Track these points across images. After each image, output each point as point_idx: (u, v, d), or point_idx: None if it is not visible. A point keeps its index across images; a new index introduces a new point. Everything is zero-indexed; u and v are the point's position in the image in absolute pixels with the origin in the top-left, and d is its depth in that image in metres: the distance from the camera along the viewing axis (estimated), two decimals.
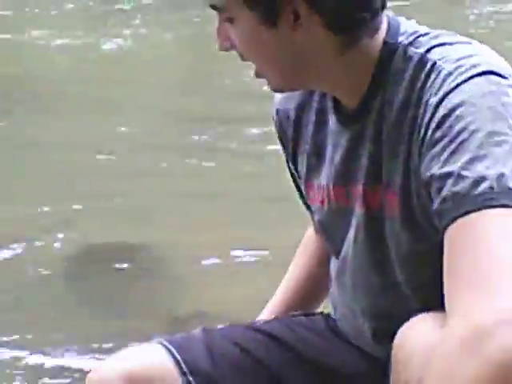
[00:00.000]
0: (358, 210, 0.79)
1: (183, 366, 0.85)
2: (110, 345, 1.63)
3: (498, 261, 0.60)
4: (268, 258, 1.92)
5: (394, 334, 0.70)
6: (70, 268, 2.14)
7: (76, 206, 2.49)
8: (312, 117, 0.84)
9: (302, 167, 0.87)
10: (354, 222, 0.81)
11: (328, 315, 0.94)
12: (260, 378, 0.88)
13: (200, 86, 4.22)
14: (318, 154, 0.84)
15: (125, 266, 2.11)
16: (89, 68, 4.43)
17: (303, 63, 0.76)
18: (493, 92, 0.68)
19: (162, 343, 0.87)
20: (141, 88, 3.95)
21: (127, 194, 2.59)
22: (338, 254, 0.86)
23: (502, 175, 0.63)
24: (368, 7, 0.73)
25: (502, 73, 0.70)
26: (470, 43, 0.75)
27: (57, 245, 2.22)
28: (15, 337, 1.74)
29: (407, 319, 0.69)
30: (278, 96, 0.89)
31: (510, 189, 0.63)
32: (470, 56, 0.71)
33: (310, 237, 1.01)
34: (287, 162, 0.92)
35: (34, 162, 2.97)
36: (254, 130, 3.15)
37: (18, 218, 2.39)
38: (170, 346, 0.87)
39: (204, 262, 2.03)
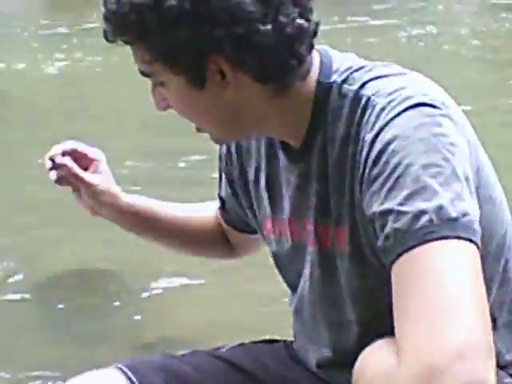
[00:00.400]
0: (311, 247, 0.80)
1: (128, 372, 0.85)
2: (71, 371, 1.58)
3: (442, 297, 0.60)
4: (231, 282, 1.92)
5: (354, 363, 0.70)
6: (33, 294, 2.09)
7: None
8: (262, 149, 0.84)
9: (257, 200, 0.87)
10: (308, 259, 0.81)
11: (289, 343, 0.93)
12: None
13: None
14: (271, 187, 0.84)
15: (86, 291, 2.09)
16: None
17: (238, 116, 0.76)
18: (425, 124, 0.67)
19: (118, 367, 0.86)
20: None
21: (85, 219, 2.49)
22: (294, 288, 0.86)
23: (440, 207, 0.63)
24: (293, 55, 0.72)
25: (435, 103, 0.70)
26: (403, 74, 0.75)
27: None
28: None
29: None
30: None
31: (449, 220, 0.63)
32: (403, 88, 0.71)
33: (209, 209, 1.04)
34: (220, 188, 0.96)
35: None
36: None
37: None
38: (127, 370, 0.86)
39: (168, 285, 2.02)
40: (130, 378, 0.85)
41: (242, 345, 0.95)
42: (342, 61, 0.77)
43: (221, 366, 0.89)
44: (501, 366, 0.74)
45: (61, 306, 2.01)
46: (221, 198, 0.97)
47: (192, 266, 2.00)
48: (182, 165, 3.05)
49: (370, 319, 0.76)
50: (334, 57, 0.78)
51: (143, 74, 0.76)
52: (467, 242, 0.63)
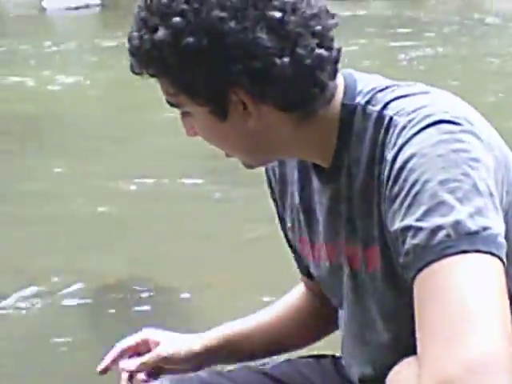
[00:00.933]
0: (346, 268, 0.81)
1: None
2: None
3: (461, 311, 0.61)
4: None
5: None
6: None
7: None
8: (295, 174, 0.86)
9: (295, 223, 0.88)
10: (344, 280, 0.82)
11: (337, 358, 0.94)
12: None
13: None
14: (307, 211, 0.85)
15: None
16: None
17: (265, 143, 0.78)
18: (444, 140, 0.68)
19: (163, 381, 0.91)
20: None
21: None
22: (341, 305, 0.87)
23: (457, 222, 0.63)
24: (315, 83, 0.73)
25: (456, 120, 0.70)
26: (426, 93, 0.75)
27: None
28: None
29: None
30: None
31: (467, 234, 0.63)
32: (424, 107, 0.71)
33: (298, 292, 1.00)
34: (280, 220, 0.94)
35: None
36: None
37: None
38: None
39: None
40: None
41: (288, 361, 0.97)
42: (367, 82, 0.78)
43: (268, 383, 0.91)
44: None
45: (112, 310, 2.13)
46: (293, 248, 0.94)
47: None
48: None
49: (402, 337, 0.76)
50: (358, 79, 0.79)
51: (170, 104, 0.78)
52: (488, 256, 0.63)
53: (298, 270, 0.97)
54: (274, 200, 0.92)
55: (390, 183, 0.70)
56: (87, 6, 6.38)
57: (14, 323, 2.11)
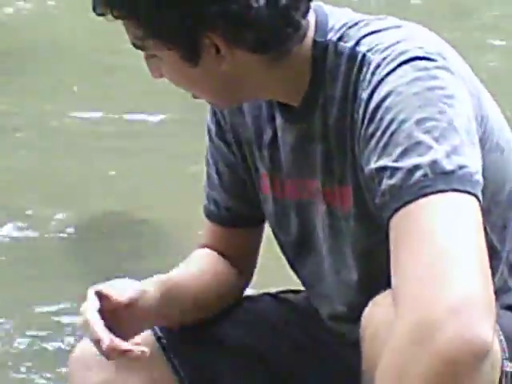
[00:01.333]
0: (321, 206, 0.81)
1: (162, 337, 0.89)
2: None
3: (439, 250, 0.60)
4: None
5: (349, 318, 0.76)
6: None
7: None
8: (263, 109, 0.84)
9: (257, 159, 0.87)
10: (318, 217, 0.82)
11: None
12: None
13: None
14: (271, 147, 0.84)
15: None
16: None
17: (236, 85, 0.76)
18: (419, 78, 0.67)
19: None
20: None
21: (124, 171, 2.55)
22: (297, 244, 0.87)
23: (434, 161, 0.63)
24: (289, 23, 0.72)
25: (430, 56, 0.69)
26: (399, 27, 0.74)
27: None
28: None
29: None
30: None
31: (444, 173, 0.62)
32: (398, 42, 0.71)
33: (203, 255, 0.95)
34: (215, 158, 0.91)
35: None
36: None
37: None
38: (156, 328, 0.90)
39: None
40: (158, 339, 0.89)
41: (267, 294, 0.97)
42: (338, 17, 0.77)
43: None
44: None
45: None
46: (216, 203, 0.92)
47: None
48: None
49: (373, 276, 0.77)
50: (329, 14, 0.78)
51: (136, 47, 0.76)
52: (465, 194, 0.62)
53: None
54: (221, 138, 0.90)
55: (366, 122, 0.69)
56: None
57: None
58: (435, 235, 0.61)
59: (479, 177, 0.65)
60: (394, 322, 0.60)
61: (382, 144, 0.66)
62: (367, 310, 0.70)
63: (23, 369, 1.59)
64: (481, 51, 3.23)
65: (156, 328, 0.89)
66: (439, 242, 0.60)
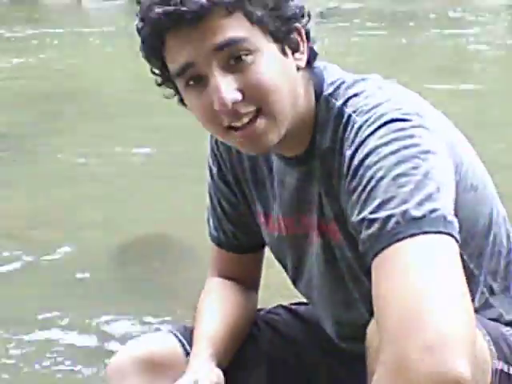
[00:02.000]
0: (315, 239, 0.91)
1: (187, 347, 0.96)
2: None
3: (412, 289, 0.65)
4: None
5: (355, 337, 0.82)
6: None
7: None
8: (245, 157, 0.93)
9: (253, 196, 0.96)
10: (311, 250, 0.92)
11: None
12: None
13: None
14: (266, 186, 0.93)
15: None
16: None
17: (296, 102, 0.84)
18: (396, 138, 0.75)
19: (171, 331, 1.00)
20: None
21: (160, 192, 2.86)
22: (295, 274, 0.97)
23: (405, 211, 0.70)
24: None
25: (407, 116, 0.77)
26: (381, 88, 0.83)
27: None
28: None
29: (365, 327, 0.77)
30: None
31: (414, 219, 0.69)
32: (379, 105, 0.79)
33: (218, 287, 1.03)
34: (217, 193, 1.00)
35: None
36: None
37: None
38: (177, 333, 0.99)
39: None
40: (180, 340, 0.98)
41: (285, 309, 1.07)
42: (331, 72, 0.87)
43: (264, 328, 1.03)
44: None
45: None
46: (225, 233, 1.01)
47: None
48: None
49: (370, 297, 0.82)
50: (323, 68, 0.88)
51: (232, 41, 0.78)
52: (437, 235, 0.68)
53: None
54: (221, 177, 0.98)
55: (349, 178, 0.77)
56: (115, 5, 8.31)
57: None
58: (408, 275, 0.66)
59: (452, 217, 0.71)
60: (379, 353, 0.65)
61: (362, 199, 0.74)
62: (371, 325, 0.74)
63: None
64: None
65: (181, 337, 0.98)
66: (412, 281, 0.65)
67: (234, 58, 0.78)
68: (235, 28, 0.78)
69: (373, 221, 0.71)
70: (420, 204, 0.70)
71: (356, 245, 0.79)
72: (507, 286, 0.91)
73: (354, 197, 0.76)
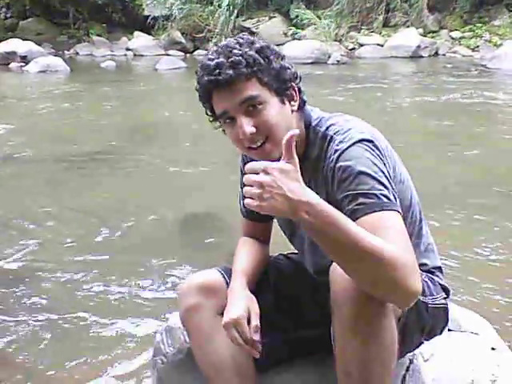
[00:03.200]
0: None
1: (227, 278, 1.41)
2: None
3: (392, 234, 1.07)
4: None
5: (324, 271, 1.18)
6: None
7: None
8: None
9: None
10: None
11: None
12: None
13: None
14: None
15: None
16: None
17: (288, 124, 1.24)
18: (362, 151, 1.17)
19: (216, 268, 1.43)
20: None
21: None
22: (294, 238, 1.42)
23: (375, 194, 1.13)
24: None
25: (368, 137, 1.20)
26: (348, 120, 1.26)
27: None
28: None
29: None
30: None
31: (377, 204, 1.12)
32: (350, 129, 1.22)
33: (245, 242, 1.50)
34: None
35: None
36: None
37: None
38: (220, 269, 1.43)
39: None
40: (223, 275, 1.40)
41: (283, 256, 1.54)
42: (316, 112, 1.32)
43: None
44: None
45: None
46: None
47: None
48: None
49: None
50: (311, 110, 1.32)
51: (250, 98, 1.19)
52: (392, 211, 1.12)
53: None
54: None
55: (335, 179, 1.18)
56: (179, 68, 11.36)
57: None
58: (386, 228, 1.08)
59: (397, 201, 1.14)
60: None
61: (344, 185, 1.16)
62: (332, 267, 1.15)
63: None
64: None
65: (223, 272, 1.42)
66: (390, 231, 1.08)
67: (251, 106, 1.20)
68: (252, 88, 1.19)
69: (351, 201, 1.13)
70: (380, 191, 1.13)
71: None
72: (418, 243, 1.34)
73: (337, 185, 1.17)
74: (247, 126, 1.20)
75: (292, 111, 1.26)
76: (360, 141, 1.20)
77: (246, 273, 1.39)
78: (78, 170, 4.70)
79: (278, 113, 1.22)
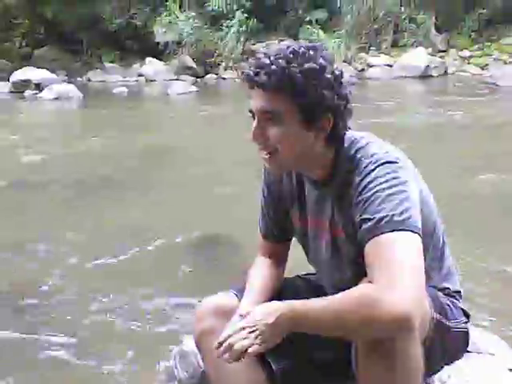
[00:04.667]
0: (327, 234, 1.32)
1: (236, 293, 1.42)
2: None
3: (393, 262, 1.08)
4: None
5: (340, 288, 1.16)
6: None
7: None
8: (293, 180, 1.38)
9: (292, 207, 1.40)
10: (323, 242, 1.34)
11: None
12: None
13: None
14: (300, 200, 1.39)
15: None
16: None
17: (308, 153, 1.24)
18: (388, 173, 1.18)
19: (231, 291, 1.43)
20: None
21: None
22: (311, 252, 1.40)
23: (392, 216, 1.13)
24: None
25: (394, 159, 1.20)
26: (375, 142, 1.26)
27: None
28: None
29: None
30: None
31: (396, 222, 1.13)
32: (376, 153, 1.22)
33: (262, 263, 1.48)
34: (266, 205, 1.45)
35: None
36: None
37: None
38: (235, 291, 1.43)
39: None
40: (236, 295, 1.40)
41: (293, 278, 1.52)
42: (347, 134, 1.29)
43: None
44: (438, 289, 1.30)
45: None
46: (267, 229, 1.47)
47: None
48: None
49: (361, 274, 1.19)
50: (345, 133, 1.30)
51: (267, 112, 1.18)
52: (409, 232, 1.12)
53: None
54: (270, 195, 1.43)
55: (358, 196, 1.19)
56: (191, 92, 11.59)
57: None
58: (393, 252, 1.09)
59: (419, 224, 1.14)
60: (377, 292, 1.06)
61: (364, 207, 1.16)
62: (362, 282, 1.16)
63: None
64: None
65: (238, 295, 1.40)
66: (393, 256, 1.09)
67: (268, 119, 1.20)
68: (276, 103, 1.17)
69: (371, 219, 1.14)
70: (400, 214, 1.14)
71: (352, 240, 1.22)
72: (441, 266, 1.34)
73: (360, 206, 1.18)
74: (255, 133, 1.22)
75: (316, 137, 1.23)
76: (386, 163, 1.20)
77: (256, 293, 1.39)
78: (90, 193, 4.76)
79: (291, 136, 1.21)
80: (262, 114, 1.21)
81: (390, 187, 1.16)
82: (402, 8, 13.79)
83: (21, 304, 2.78)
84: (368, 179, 1.19)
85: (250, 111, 1.24)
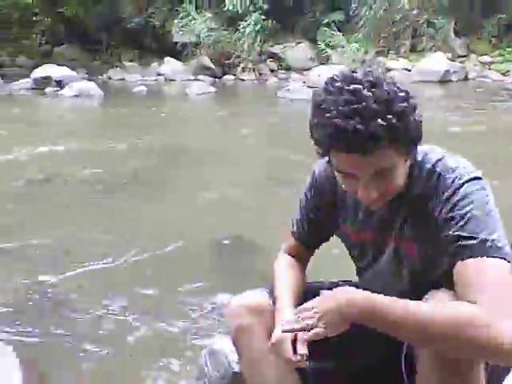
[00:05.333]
0: (390, 247, 1.32)
1: (271, 297, 1.40)
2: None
3: (488, 291, 1.06)
4: None
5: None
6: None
7: None
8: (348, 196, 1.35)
9: (342, 218, 1.40)
10: (385, 252, 1.34)
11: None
12: None
13: None
14: (355, 213, 1.38)
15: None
16: None
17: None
18: (476, 191, 1.18)
19: (263, 289, 1.44)
20: None
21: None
22: (364, 264, 1.42)
23: (493, 240, 1.12)
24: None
25: (476, 176, 1.19)
26: (451, 156, 1.24)
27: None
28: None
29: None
30: (320, 173, 1.40)
31: (497, 247, 1.11)
32: (457, 168, 1.20)
33: (291, 263, 1.50)
34: (312, 210, 1.44)
35: None
36: None
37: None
38: (266, 290, 1.43)
39: None
40: (267, 293, 1.41)
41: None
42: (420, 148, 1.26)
43: None
44: None
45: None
46: (301, 232, 1.48)
47: None
48: None
49: (419, 286, 1.24)
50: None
51: (383, 169, 1.15)
52: (504, 261, 1.11)
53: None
54: (321, 204, 1.42)
55: (445, 212, 1.17)
56: (209, 92, 11.60)
57: None
58: (489, 277, 1.08)
59: (506, 246, 1.13)
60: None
61: (460, 224, 1.14)
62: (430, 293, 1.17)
63: None
64: None
65: (268, 293, 1.41)
66: (504, 286, 1.08)
67: (383, 175, 1.16)
68: (387, 159, 1.13)
69: (473, 238, 1.13)
70: (498, 239, 1.13)
71: (422, 253, 1.26)
72: None
73: (453, 222, 1.16)
74: (372, 191, 1.18)
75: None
76: (471, 179, 1.19)
77: (292, 292, 1.40)
78: (111, 192, 4.79)
79: (402, 173, 1.21)
80: (377, 175, 1.17)
81: (481, 206, 1.16)
82: (418, 11, 13.71)
83: (45, 300, 2.82)
84: (458, 196, 1.18)
85: (343, 173, 1.19)
